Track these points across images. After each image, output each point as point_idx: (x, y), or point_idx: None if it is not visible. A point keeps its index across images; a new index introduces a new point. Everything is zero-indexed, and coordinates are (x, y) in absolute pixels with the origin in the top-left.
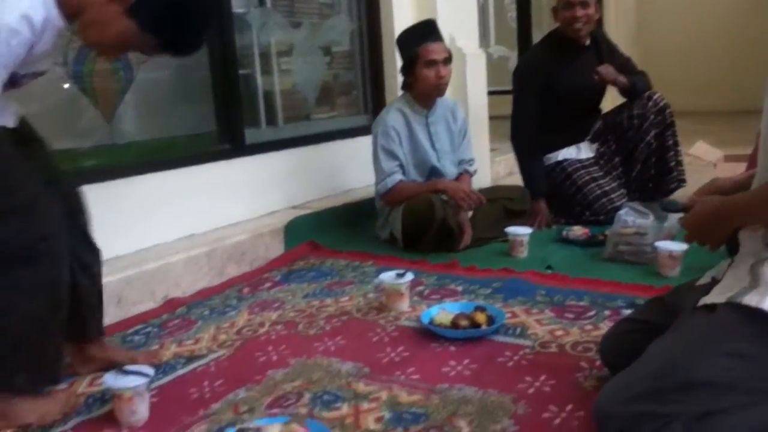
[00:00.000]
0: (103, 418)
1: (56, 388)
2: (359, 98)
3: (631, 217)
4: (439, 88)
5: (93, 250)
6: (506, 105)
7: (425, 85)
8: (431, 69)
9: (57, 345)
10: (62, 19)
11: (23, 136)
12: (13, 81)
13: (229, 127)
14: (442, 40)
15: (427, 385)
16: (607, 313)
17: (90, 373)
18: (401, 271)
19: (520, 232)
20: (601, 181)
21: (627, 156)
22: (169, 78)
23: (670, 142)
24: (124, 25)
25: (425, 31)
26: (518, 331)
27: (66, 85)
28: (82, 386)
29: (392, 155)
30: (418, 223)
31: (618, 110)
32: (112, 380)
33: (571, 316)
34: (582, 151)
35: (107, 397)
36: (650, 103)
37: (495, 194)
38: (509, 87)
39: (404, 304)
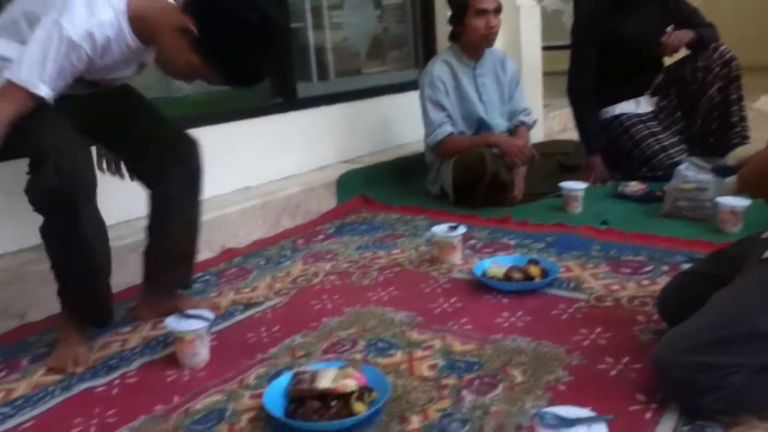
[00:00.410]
0: (166, 360)
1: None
2: (410, 52)
3: (692, 172)
4: (487, 39)
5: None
6: (560, 61)
7: (474, 35)
8: (481, 18)
9: (90, 291)
10: (136, 39)
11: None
12: (91, 81)
13: (281, 81)
14: None
15: (480, 335)
16: (665, 268)
17: (152, 319)
18: (453, 225)
19: (575, 187)
20: (660, 136)
21: (689, 110)
22: None
23: (735, 96)
24: (191, 57)
25: None
26: (572, 284)
27: None
28: (146, 330)
29: (440, 106)
30: (468, 177)
31: (681, 63)
32: (174, 323)
33: (627, 270)
34: (641, 105)
35: (169, 340)
36: (715, 55)
37: (549, 149)
38: (563, 42)
39: (456, 257)
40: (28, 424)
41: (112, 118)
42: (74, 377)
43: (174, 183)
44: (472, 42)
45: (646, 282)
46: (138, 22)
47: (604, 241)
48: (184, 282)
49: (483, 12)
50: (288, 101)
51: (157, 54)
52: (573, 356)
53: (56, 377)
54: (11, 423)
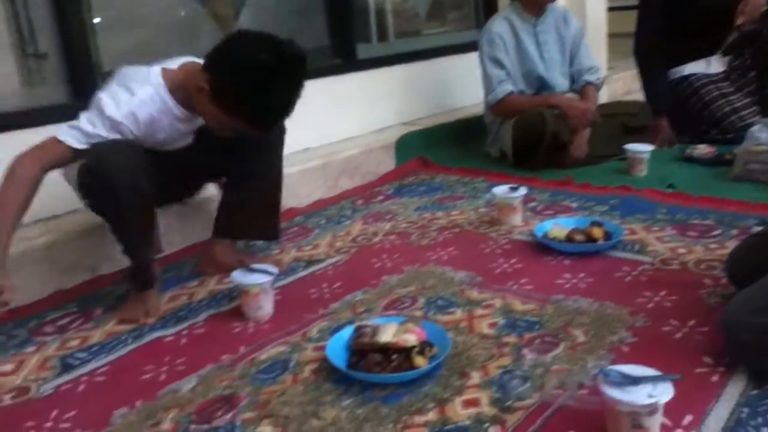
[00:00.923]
0: (231, 312)
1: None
2: (471, 13)
3: (765, 134)
4: None
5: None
6: (626, 22)
7: None
8: None
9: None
10: (181, 108)
11: None
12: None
13: (341, 42)
14: None
15: (540, 295)
16: (734, 232)
17: (216, 274)
18: (514, 186)
19: (640, 149)
20: (732, 98)
21: (763, 70)
22: None
23: None
24: (215, 113)
25: None
26: (637, 247)
27: (185, 10)
28: (212, 284)
29: (499, 63)
30: (528, 137)
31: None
32: (240, 277)
33: (694, 234)
34: (711, 65)
35: (234, 294)
36: None
37: (613, 110)
38: (629, 2)
39: (517, 218)
40: (103, 369)
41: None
42: (145, 327)
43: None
44: None
45: (713, 246)
46: (178, 91)
47: (670, 204)
48: (274, 233)
49: None
50: (347, 62)
51: (198, 114)
52: (637, 318)
53: (128, 327)
54: (88, 367)
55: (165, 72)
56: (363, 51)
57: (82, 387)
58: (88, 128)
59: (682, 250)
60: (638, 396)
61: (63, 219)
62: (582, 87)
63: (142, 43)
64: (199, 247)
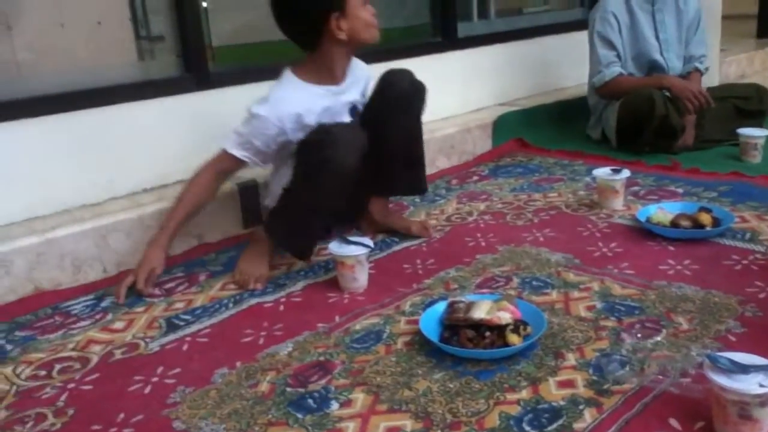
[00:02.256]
0: (327, 283)
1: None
2: None
3: None
4: None
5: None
6: (739, 3)
7: None
8: None
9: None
10: (317, 86)
11: None
12: None
13: (442, 20)
14: None
15: (642, 280)
16: None
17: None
18: (617, 168)
19: (755, 134)
20: None
21: None
22: None
23: None
24: (353, 18)
25: None
26: (748, 235)
27: None
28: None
29: (610, 44)
30: (635, 119)
31: None
32: (336, 248)
33: None
34: None
35: (331, 266)
36: None
37: (726, 93)
38: None
39: (618, 202)
40: (206, 331)
41: None
42: (245, 293)
43: (397, 94)
44: None
45: None
46: (309, 75)
47: None
48: (420, 187)
49: None
50: (448, 41)
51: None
52: (746, 307)
53: (230, 292)
54: (192, 329)
55: (294, 68)
56: (463, 29)
57: (185, 347)
58: (242, 131)
59: None
60: (748, 384)
61: (172, 188)
62: (688, 73)
63: (249, 24)
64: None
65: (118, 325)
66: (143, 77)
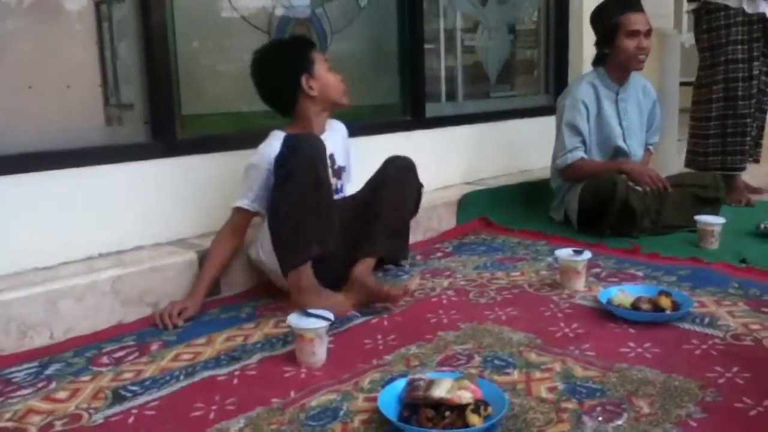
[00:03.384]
0: (285, 356)
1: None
2: (540, 78)
3: None
4: (638, 61)
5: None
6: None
7: (624, 56)
8: (633, 39)
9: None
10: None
11: None
12: None
13: (411, 100)
14: (644, 12)
15: (603, 362)
16: None
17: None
18: (578, 249)
19: (712, 221)
20: None
21: None
22: (360, 49)
23: None
24: (320, 80)
25: (628, 1)
26: (707, 320)
27: None
28: (268, 327)
29: (576, 131)
30: (597, 202)
31: None
32: (296, 320)
33: None
34: None
35: (289, 338)
36: None
37: (685, 181)
38: None
39: (580, 283)
40: (154, 403)
41: None
42: (198, 364)
43: (390, 173)
44: (621, 63)
45: None
46: (291, 126)
47: (743, 278)
48: (401, 254)
49: (635, 33)
50: (416, 120)
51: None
52: (707, 392)
53: (182, 363)
54: (139, 400)
55: (285, 127)
56: (432, 109)
57: (131, 419)
58: (242, 185)
59: (756, 326)
60: None
61: (130, 254)
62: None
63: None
64: (257, 291)
65: (62, 394)
66: (109, 141)
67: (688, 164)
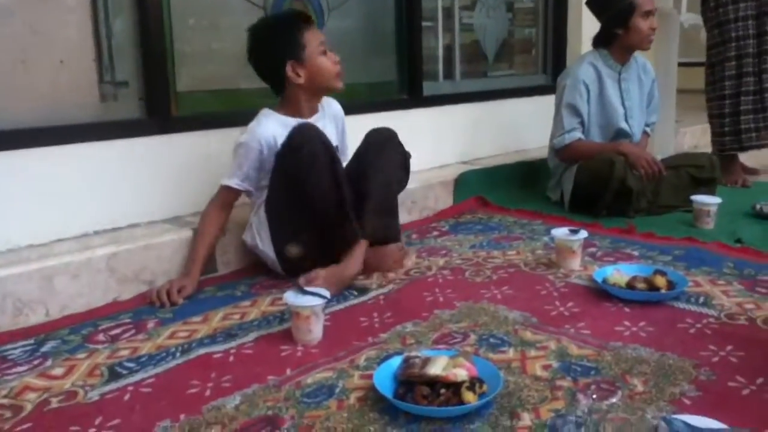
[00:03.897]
0: (281, 334)
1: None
2: (538, 57)
3: None
4: (650, 41)
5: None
6: (693, 78)
7: (638, 36)
8: (647, 20)
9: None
10: (293, 119)
11: None
12: None
13: (408, 78)
14: None
15: (598, 341)
16: None
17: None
18: (574, 229)
19: (708, 201)
20: None
21: None
22: (357, 27)
23: None
24: (311, 66)
25: None
26: (701, 299)
27: None
28: (264, 305)
29: (576, 112)
30: (594, 181)
31: None
32: (292, 299)
33: (764, 290)
34: None
35: (286, 316)
36: None
37: (681, 162)
38: (699, 59)
39: (575, 262)
40: (150, 380)
41: None
42: (194, 342)
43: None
44: (632, 44)
45: None
46: (286, 109)
47: (738, 258)
48: (393, 234)
49: (649, 13)
50: (413, 98)
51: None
52: (701, 371)
53: (178, 340)
54: (135, 377)
55: (268, 107)
56: (429, 88)
57: (127, 396)
58: (232, 163)
59: (750, 306)
60: None
61: (125, 231)
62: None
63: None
64: (253, 270)
65: (58, 371)
66: (104, 118)
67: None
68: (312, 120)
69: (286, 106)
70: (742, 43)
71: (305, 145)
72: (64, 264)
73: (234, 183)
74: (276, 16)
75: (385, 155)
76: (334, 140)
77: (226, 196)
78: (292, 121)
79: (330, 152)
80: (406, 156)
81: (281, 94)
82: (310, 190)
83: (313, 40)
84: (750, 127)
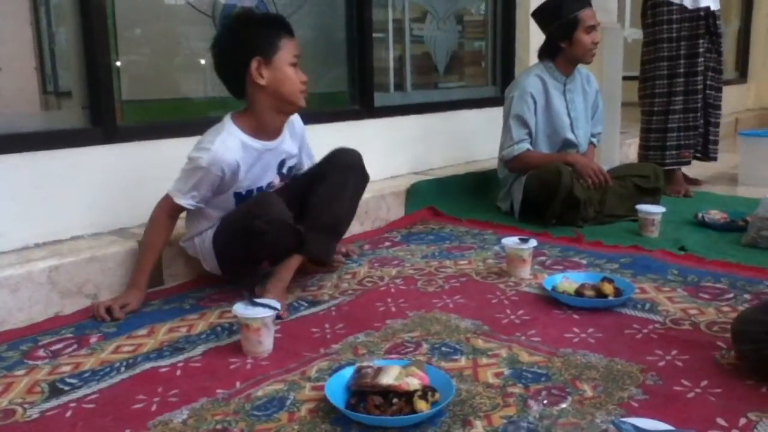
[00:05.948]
0: (230, 347)
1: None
2: (488, 69)
3: None
4: (593, 54)
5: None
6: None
7: (582, 50)
8: (590, 34)
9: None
10: (254, 138)
11: None
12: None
13: (359, 89)
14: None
15: (548, 347)
16: (747, 296)
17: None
18: (524, 238)
19: (652, 210)
20: None
21: None
22: (308, 37)
23: None
24: (275, 76)
25: None
26: (647, 305)
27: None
28: (213, 317)
29: (523, 123)
30: (542, 190)
31: None
32: (242, 310)
33: (706, 296)
34: None
35: (235, 328)
36: None
37: (626, 172)
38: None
39: (525, 271)
40: (93, 396)
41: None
42: (139, 356)
43: (333, 168)
44: (576, 57)
45: (726, 308)
46: (248, 123)
47: (681, 265)
48: (325, 253)
49: (592, 28)
50: (364, 109)
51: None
52: (648, 375)
53: (123, 355)
54: (78, 393)
55: (234, 115)
56: (380, 99)
57: (69, 413)
58: (188, 181)
59: (693, 311)
60: None
61: (66, 244)
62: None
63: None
64: (200, 282)
65: None
66: (46, 127)
67: (638, 158)
68: (275, 143)
69: (250, 119)
70: (674, 63)
71: (269, 232)
72: (4, 278)
73: (185, 203)
74: (262, 13)
75: (346, 182)
76: (294, 159)
77: (175, 208)
78: (257, 144)
79: (293, 227)
80: (366, 180)
81: (240, 96)
82: (269, 249)
83: (288, 47)
84: (673, 144)
